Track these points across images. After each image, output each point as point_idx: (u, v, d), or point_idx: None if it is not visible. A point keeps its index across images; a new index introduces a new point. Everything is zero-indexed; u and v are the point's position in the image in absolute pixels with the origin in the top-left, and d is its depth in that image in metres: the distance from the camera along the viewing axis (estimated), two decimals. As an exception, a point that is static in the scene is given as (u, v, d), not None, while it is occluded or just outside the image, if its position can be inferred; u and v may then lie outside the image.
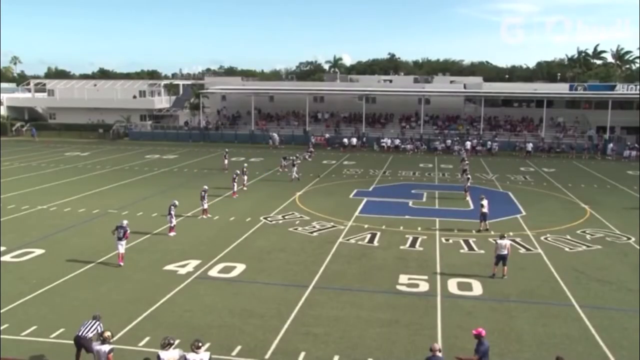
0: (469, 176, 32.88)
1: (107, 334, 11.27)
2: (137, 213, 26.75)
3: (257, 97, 65.25)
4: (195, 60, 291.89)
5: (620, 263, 19.99)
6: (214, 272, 18.33)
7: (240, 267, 18.79)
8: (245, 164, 36.32)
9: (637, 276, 18.38)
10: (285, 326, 14.25)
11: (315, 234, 23.42)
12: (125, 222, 19.54)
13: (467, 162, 41.06)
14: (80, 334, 11.84)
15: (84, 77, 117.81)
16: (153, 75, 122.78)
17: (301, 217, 26.31)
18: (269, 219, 25.86)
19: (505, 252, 17.99)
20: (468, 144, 54.87)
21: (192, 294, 16.41)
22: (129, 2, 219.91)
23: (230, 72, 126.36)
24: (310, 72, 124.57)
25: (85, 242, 21.70)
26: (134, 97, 75.42)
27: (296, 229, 24.06)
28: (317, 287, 17.14)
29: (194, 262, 19.18)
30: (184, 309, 15.28)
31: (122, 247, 19.05)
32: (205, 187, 26.73)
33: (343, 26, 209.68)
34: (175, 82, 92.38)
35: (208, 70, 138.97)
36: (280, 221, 25.54)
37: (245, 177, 33.33)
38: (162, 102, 78.14)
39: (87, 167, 42.06)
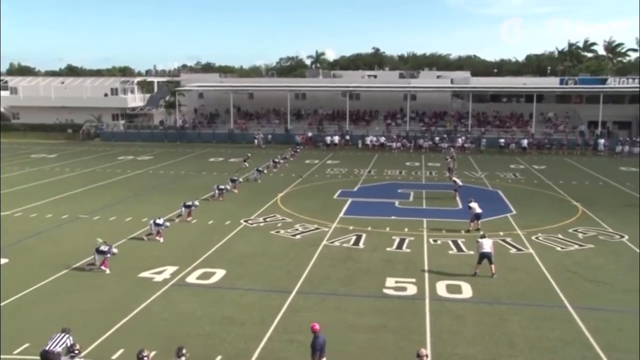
0: (454, 179, 32.11)
1: (77, 347, 10.80)
2: (110, 218, 25.84)
3: (236, 95, 64.04)
4: (170, 56, 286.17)
5: (613, 262, 19.63)
6: (192, 279, 17.66)
7: (219, 273, 18.15)
8: (237, 174, 34.97)
9: (631, 276, 18.08)
10: (268, 334, 13.82)
11: (298, 236, 22.78)
12: (115, 250, 18.89)
13: (450, 159, 40.56)
14: (47, 348, 11.23)
15: (51, 74, 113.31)
16: (125, 72, 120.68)
17: (283, 219, 25.62)
18: (249, 221, 25.14)
19: (489, 249, 17.81)
20: (459, 141, 54.30)
21: (169, 302, 15.79)
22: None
23: (208, 68, 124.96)
24: (291, 68, 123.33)
25: (54, 249, 20.75)
26: (105, 95, 73.88)
27: (278, 232, 23.42)
28: (301, 292, 16.65)
29: (170, 269, 18.44)
30: (160, 318, 14.70)
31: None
32: (197, 202, 25.85)
33: (325, 20, 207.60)
34: (150, 79, 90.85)
35: (184, 66, 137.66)
36: (262, 224, 24.85)
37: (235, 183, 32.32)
38: (136, 100, 76.65)
39: (55, 170, 40.61)
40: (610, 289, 17.04)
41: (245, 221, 25.10)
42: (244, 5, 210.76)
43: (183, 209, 25.28)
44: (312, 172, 40.12)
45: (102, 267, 18.22)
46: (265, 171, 38.22)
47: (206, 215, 25.87)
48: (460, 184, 31.01)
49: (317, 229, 23.87)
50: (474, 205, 23.83)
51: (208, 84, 67.98)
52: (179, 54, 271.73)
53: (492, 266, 17.79)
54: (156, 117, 70.93)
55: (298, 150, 50.06)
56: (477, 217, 23.56)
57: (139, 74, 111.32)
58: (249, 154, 44.20)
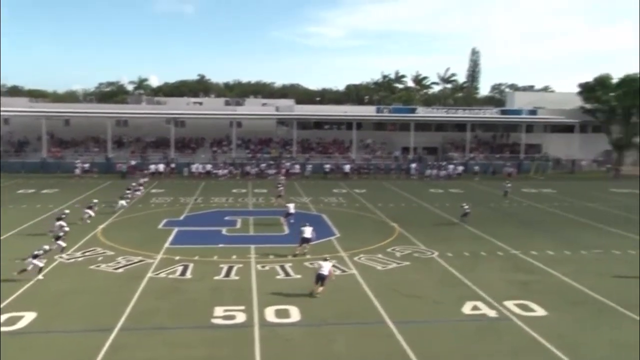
0: (287, 205, 32.43)
1: None
2: None
3: (50, 121, 59.06)
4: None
5: (426, 278, 21.27)
6: (-6, 326, 15.68)
7: (29, 316, 16.35)
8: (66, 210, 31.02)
9: (441, 289, 19.80)
10: (86, 378, 12.67)
11: (120, 270, 21.49)
12: None
13: (281, 186, 41.25)
14: None
15: None
16: None
17: (104, 252, 24.01)
18: (65, 257, 23.16)
19: (326, 272, 18.52)
20: (285, 167, 55.44)
21: (-36, 355, 13.83)
22: None
23: (15, 92, 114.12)
24: (112, 93, 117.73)
25: None
26: None
27: (99, 266, 21.88)
28: (125, 329, 15.64)
29: (-35, 317, 16.20)
30: (-46, 374, 12.84)
31: None
32: (46, 247, 21.68)
33: (149, 45, 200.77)
34: (-61, 103, 79.79)
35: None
36: (80, 258, 23.05)
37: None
38: None
39: None
40: (424, 302, 18.47)
41: (60, 257, 23.08)
42: (59, 25, 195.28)
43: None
44: (136, 202, 38.19)
45: None
46: (130, 196, 36.18)
47: (11, 252, 23.21)
48: (292, 211, 31.37)
49: (141, 261, 22.72)
50: (305, 229, 24.29)
51: (15, 109, 61.68)
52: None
53: (321, 288, 18.38)
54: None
55: (147, 180, 47.14)
56: (306, 241, 24.19)
57: None
58: (134, 183, 40.66)
